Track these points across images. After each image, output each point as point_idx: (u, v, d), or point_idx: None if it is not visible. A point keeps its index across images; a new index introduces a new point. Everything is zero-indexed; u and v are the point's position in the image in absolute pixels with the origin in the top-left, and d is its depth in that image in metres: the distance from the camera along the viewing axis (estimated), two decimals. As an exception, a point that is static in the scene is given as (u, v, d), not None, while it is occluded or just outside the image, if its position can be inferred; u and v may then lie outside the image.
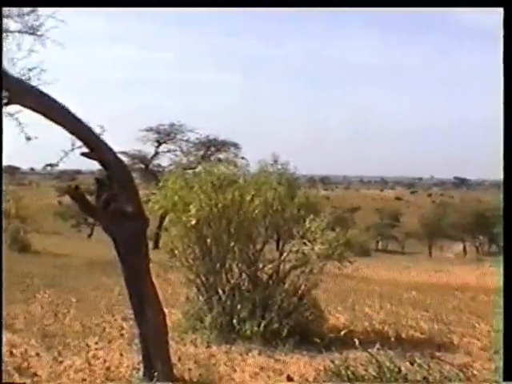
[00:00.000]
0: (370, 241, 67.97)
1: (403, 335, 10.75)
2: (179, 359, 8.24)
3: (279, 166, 10.26)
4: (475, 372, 8.46)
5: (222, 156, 39.61)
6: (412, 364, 6.59)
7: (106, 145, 6.61)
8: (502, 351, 5.32)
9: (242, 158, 38.92)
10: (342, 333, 8.32)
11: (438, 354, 9.11)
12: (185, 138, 40.76)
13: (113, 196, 6.61)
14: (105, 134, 6.68)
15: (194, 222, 9.37)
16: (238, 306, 9.43)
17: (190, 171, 11.02)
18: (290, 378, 7.62)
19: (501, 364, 5.41)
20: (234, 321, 9.35)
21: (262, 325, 9.12)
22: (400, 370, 6.32)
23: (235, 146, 41.24)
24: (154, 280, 7.16)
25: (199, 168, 10.48)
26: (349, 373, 6.31)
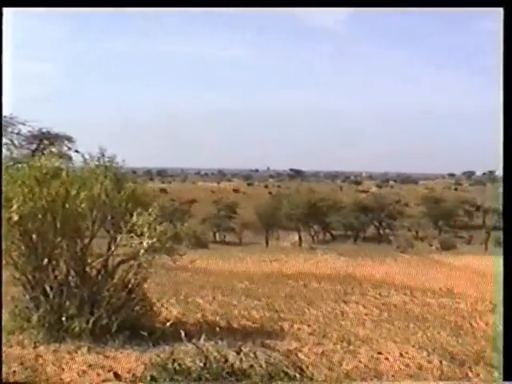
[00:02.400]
0: (208, 233, 68.59)
1: (235, 325, 10.90)
2: (4, 361, 7.90)
3: (106, 159, 10.00)
4: (302, 356, 8.72)
5: (54, 149, 38.38)
6: (238, 353, 6.68)
7: None
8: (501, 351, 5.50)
9: (76, 151, 37.93)
10: (168, 324, 8.31)
11: (268, 341, 9.32)
12: (16, 131, 39.20)
13: None
14: None
15: (16, 218, 8.99)
16: (67, 303, 9.16)
17: (15, 166, 10.54)
18: (116, 375, 7.50)
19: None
20: (63, 318, 9.06)
21: (91, 321, 8.90)
22: (227, 360, 6.39)
23: (69, 139, 40.12)
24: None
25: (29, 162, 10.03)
26: (175, 365, 6.30)
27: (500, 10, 5.52)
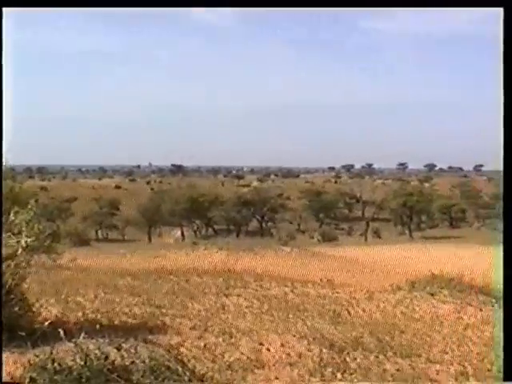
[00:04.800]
0: (90, 230, 67.63)
1: (116, 322, 10.84)
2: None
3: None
4: (184, 350, 8.82)
5: None
6: (119, 350, 6.71)
7: None
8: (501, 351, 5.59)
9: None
10: (46, 324, 8.20)
11: (150, 337, 9.34)
12: None
13: None
14: None
15: None
16: None
17: None
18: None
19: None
20: None
21: (-34, 325, 8.66)
22: (107, 357, 6.40)
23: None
24: None
25: None
26: (55, 365, 6.26)
27: (500, 10, 5.67)
